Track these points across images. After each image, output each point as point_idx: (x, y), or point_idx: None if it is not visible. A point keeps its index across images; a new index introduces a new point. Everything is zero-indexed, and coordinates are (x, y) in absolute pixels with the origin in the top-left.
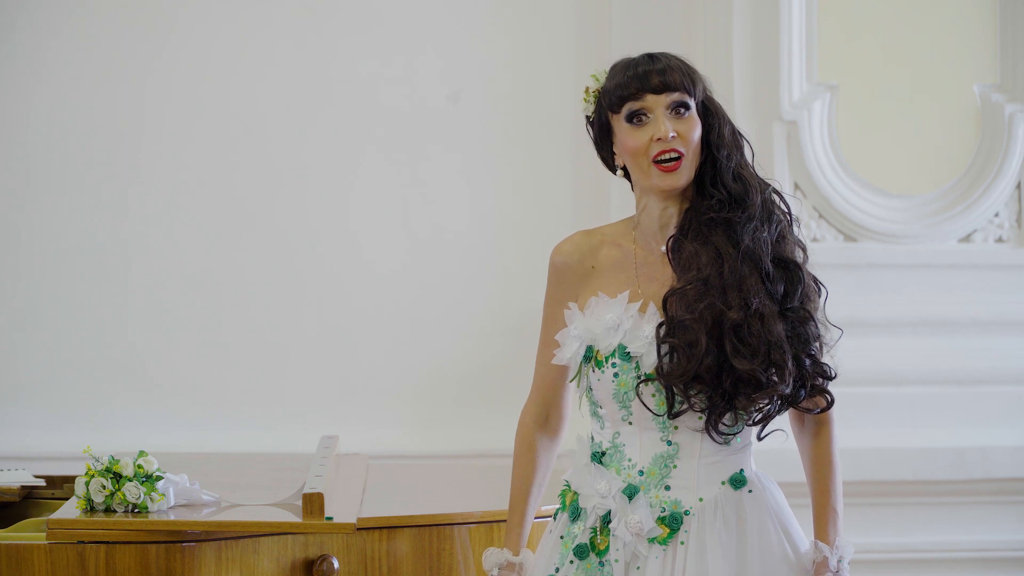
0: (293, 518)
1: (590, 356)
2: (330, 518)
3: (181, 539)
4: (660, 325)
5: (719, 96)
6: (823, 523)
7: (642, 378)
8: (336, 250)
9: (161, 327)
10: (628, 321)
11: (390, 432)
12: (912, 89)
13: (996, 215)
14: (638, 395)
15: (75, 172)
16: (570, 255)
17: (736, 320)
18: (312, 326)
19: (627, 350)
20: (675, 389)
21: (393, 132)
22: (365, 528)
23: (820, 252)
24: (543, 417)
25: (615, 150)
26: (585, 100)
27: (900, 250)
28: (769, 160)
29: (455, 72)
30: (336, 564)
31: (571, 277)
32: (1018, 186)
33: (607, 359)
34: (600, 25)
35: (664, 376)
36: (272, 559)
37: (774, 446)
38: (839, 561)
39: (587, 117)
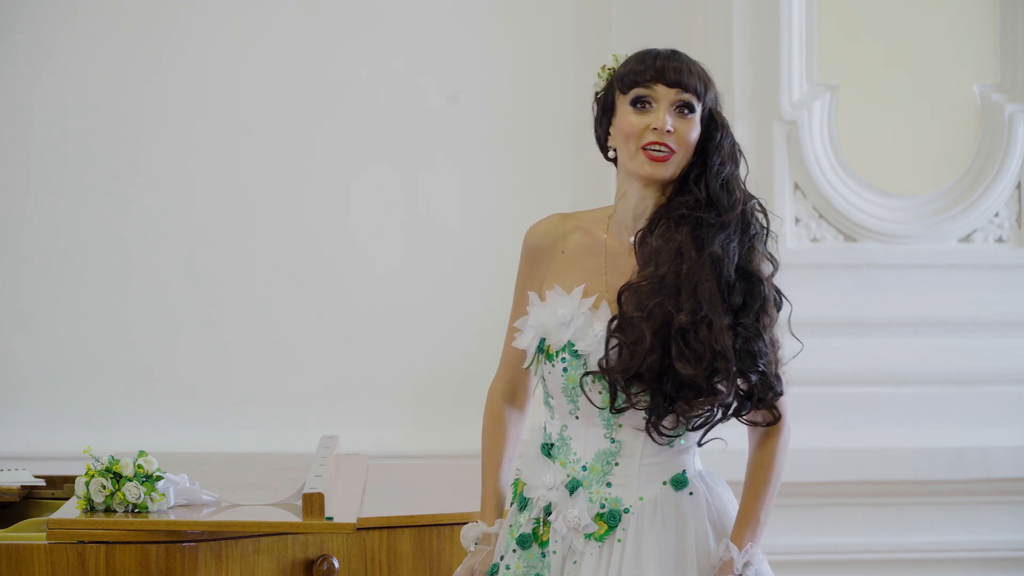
0: (293, 518)
1: (542, 348)
2: (330, 518)
3: (181, 539)
4: (612, 320)
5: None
6: (741, 526)
7: (587, 372)
8: (336, 250)
9: (161, 327)
10: (580, 318)
11: (390, 432)
12: (912, 89)
13: (996, 215)
14: (582, 387)
15: (75, 172)
16: (543, 237)
17: (684, 324)
18: (312, 326)
19: (575, 347)
20: (617, 385)
21: (393, 132)
22: (365, 528)
23: (820, 252)
24: (510, 393)
25: (611, 131)
26: (599, 76)
27: (900, 250)
28: (769, 160)
29: (455, 72)
30: (336, 564)
31: (541, 259)
32: (1018, 186)
33: (557, 354)
34: (600, 25)
35: (606, 371)
36: (272, 559)
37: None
38: (745, 565)
39: (595, 93)
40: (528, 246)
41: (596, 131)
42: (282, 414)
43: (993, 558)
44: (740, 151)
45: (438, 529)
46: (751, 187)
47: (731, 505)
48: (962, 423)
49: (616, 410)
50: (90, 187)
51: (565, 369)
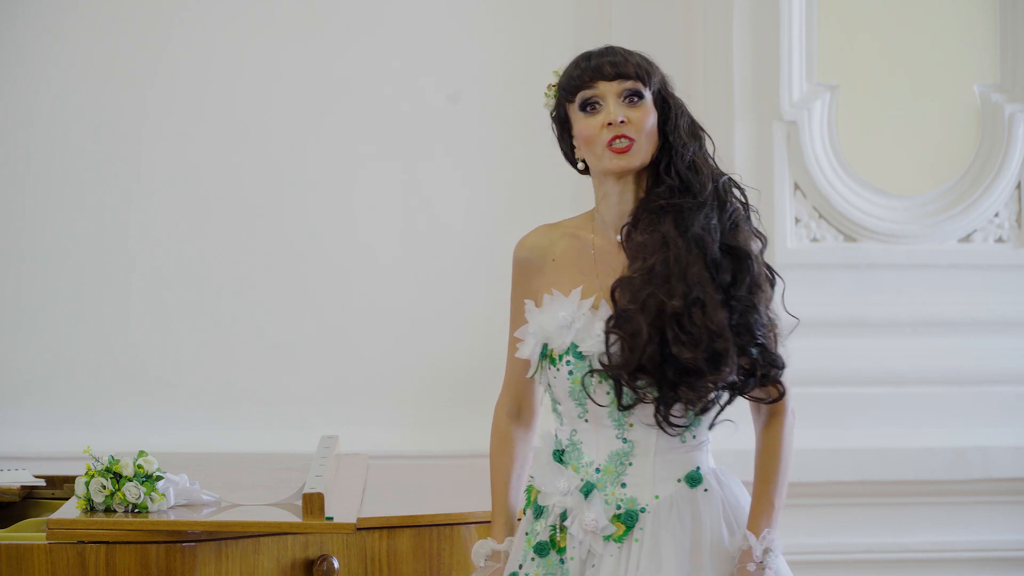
0: (293, 518)
1: (546, 354)
2: (330, 518)
3: (181, 539)
4: (610, 318)
5: (719, 96)
6: (756, 514)
7: (590, 371)
8: (337, 251)
9: (162, 327)
10: (581, 319)
11: (390, 432)
12: (912, 89)
13: (996, 215)
14: (584, 388)
15: (76, 172)
16: (531, 250)
17: (677, 309)
18: (313, 326)
19: (579, 349)
20: (622, 381)
21: (393, 132)
22: (365, 528)
23: (820, 252)
24: (516, 410)
25: (574, 143)
26: (546, 95)
27: (900, 250)
28: (769, 160)
29: (455, 72)
30: (336, 564)
31: (532, 271)
32: (1018, 186)
33: (561, 357)
34: (600, 25)
35: (608, 368)
36: (272, 559)
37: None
38: (764, 552)
39: (550, 113)
40: (518, 260)
41: (561, 147)
42: (282, 414)
43: (993, 558)
44: (700, 127)
45: (438, 529)
46: (752, 187)
47: (745, 502)
48: (962, 423)
49: (623, 407)
50: (90, 187)
51: (571, 372)
